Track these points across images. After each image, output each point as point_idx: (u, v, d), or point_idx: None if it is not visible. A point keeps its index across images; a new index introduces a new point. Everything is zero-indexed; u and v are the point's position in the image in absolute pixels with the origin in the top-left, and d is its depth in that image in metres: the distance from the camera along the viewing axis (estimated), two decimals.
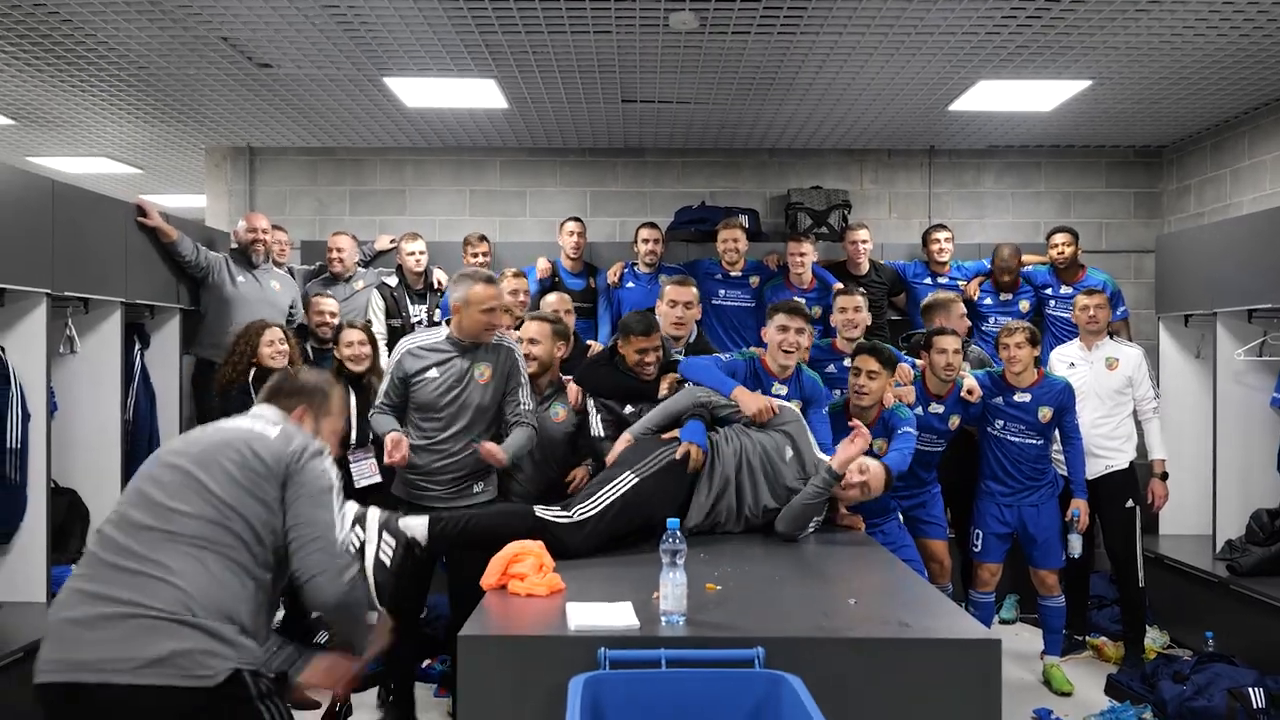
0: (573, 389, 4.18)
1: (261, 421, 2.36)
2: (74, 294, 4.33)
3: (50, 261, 4.16)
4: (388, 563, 2.71)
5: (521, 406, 3.76)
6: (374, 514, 2.79)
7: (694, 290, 4.39)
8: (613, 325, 5.73)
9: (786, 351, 3.86)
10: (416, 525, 2.92)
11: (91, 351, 4.59)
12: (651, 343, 3.91)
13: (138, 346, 4.98)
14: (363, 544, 2.71)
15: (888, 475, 3.48)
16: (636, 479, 3.21)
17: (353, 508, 2.63)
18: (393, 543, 2.75)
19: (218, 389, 4.55)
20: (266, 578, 2.19)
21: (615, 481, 3.19)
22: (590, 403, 4.05)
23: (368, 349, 4.44)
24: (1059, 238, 5.72)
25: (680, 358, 4.10)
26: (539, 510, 3.11)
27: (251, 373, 4.42)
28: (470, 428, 3.72)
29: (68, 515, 4.51)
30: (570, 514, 3.07)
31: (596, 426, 3.99)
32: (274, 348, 4.44)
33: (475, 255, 5.80)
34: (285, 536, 2.20)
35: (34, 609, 4.03)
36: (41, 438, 4.11)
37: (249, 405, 4.19)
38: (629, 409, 3.93)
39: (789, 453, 3.42)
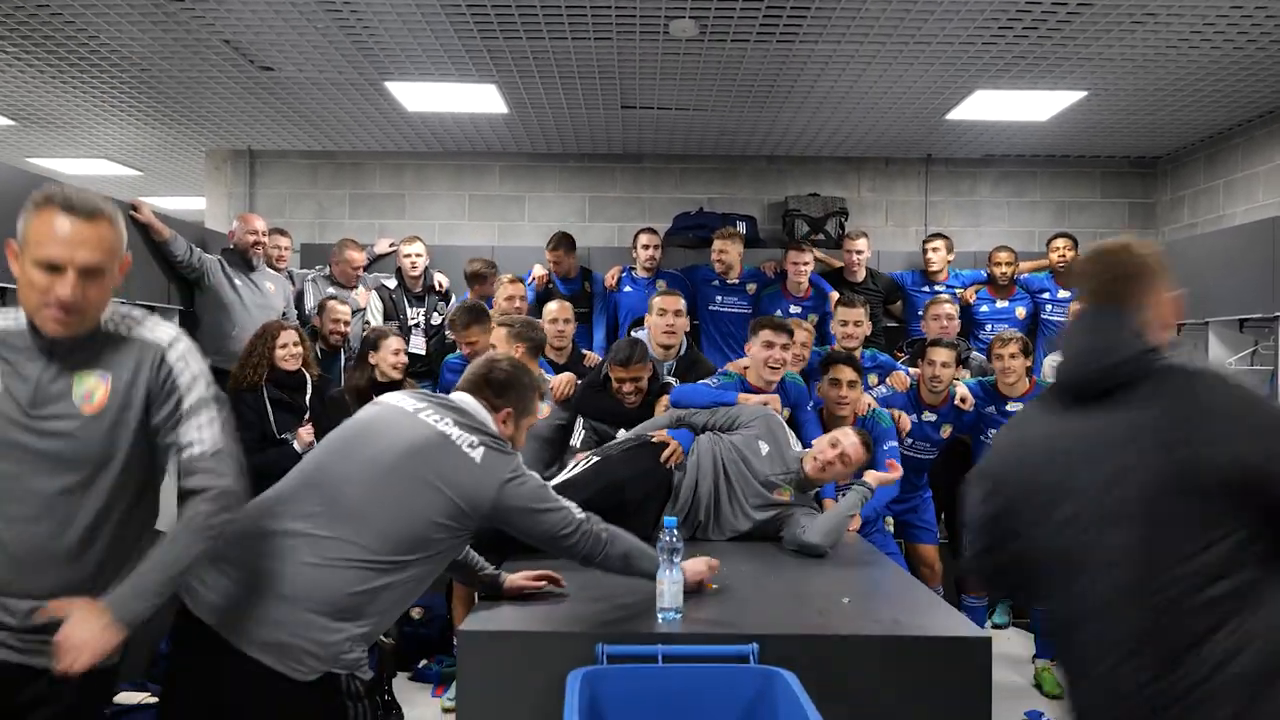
0: (559, 380, 4.20)
1: (461, 431, 2.20)
2: None
3: None
4: None
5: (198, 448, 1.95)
6: None
7: (682, 300, 4.39)
8: (608, 329, 5.76)
9: (772, 368, 3.87)
10: None
11: None
12: (630, 373, 3.83)
13: None
14: None
15: (864, 440, 3.42)
16: (602, 456, 3.30)
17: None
18: None
19: (231, 390, 4.55)
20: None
21: (585, 458, 3.30)
22: (579, 419, 4.02)
23: (404, 359, 4.41)
24: (1060, 242, 5.79)
25: (672, 379, 4.11)
26: None
27: (265, 374, 4.42)
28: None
29: None
30: None
31: (577, 438, 3.96)
32: (288, 349, 4.42)
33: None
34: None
35: None
36: None
37: (262, 408, 4.17)
38: (622, 433, 3.81)
39: (764, 448, 3.42)
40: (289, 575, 2.02)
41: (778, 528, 3.26)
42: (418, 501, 2.10)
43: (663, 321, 4.26)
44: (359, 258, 5.76)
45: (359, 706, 2.10)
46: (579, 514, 2.28)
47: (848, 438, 3.36)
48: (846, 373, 4.03)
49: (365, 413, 2.34)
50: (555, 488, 3.06)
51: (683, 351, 4.38)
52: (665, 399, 3.89)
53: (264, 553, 2.06)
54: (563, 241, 5.77)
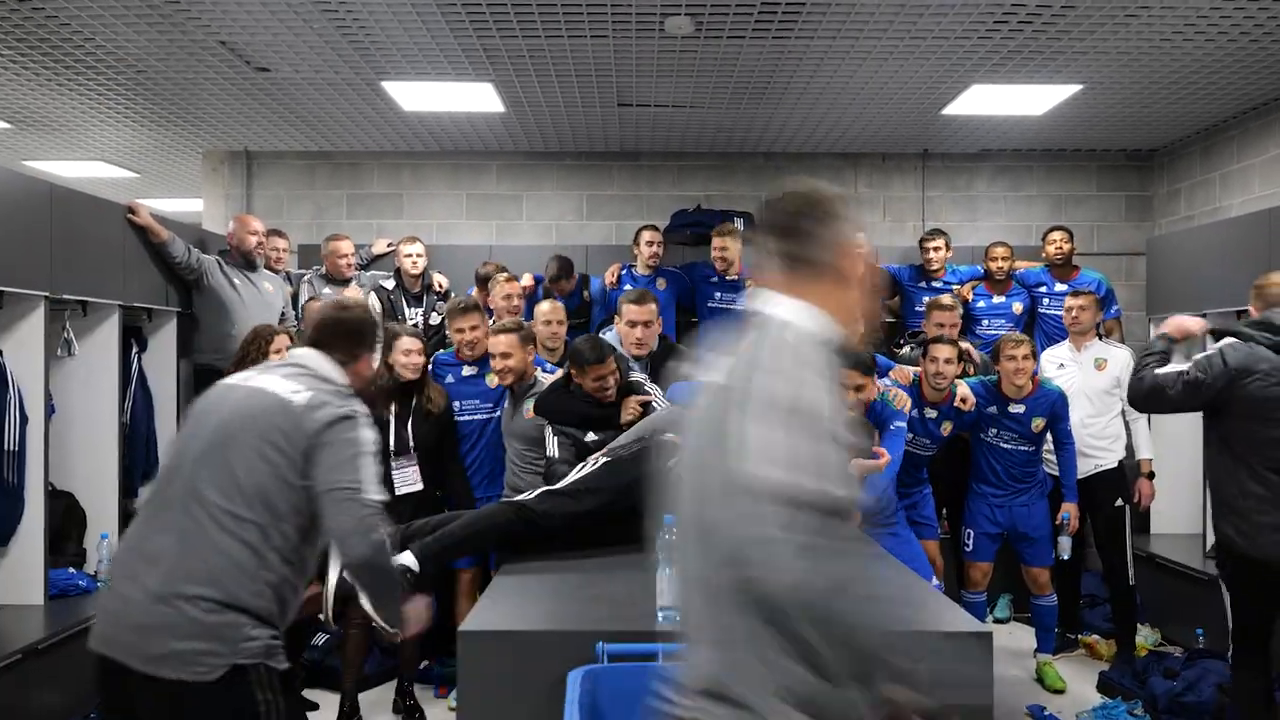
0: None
1: (288, 381, 2.26)
2: (72, 297, 4.35)
3: (49, 264, 4.18)
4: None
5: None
6: None
7: (654, 308, 4.45)
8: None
9: None
10: (404, 557, 2.91)
11: (89, 354, 4.61)
12: (608, 368, 3.82)
13: (135, 350, 4.99)
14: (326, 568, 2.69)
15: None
16: (611, 457, 3.30)
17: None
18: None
19: None
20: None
21: (592, 459, 3.33)
22: (548, 429, 3.94)
23: (421, 359, 4.35)
24: (1056, 235, 5.80)
25: (638, 375, 4.12)
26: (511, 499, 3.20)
27: None
28: None
29: (65, 518, 4.53)
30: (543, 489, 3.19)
31: (553, 447, 3.87)
32: (282, 355, 4.38)
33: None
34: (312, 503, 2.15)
35: (32, 611, 4.04)
36: (39, 441, 4.13)
37: None
38: (590, 436, 3.80)
39: None
40: (160, 574, 2.05)
41: None
42: (256, 460, 2.14)
43: (633, 333, 4.37)
44: (343, 246, 5.74)
45: (269, 698, 2.06)
46: (379, 498, 2.21)
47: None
48: (855, 377, 3.98)
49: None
50: (567, 489, 3.10)
51: (655, 349, 4.46)
52: (635, 398, 3.89)
53: (129, 562, 2.13)
54: (561, 271, 5.65)
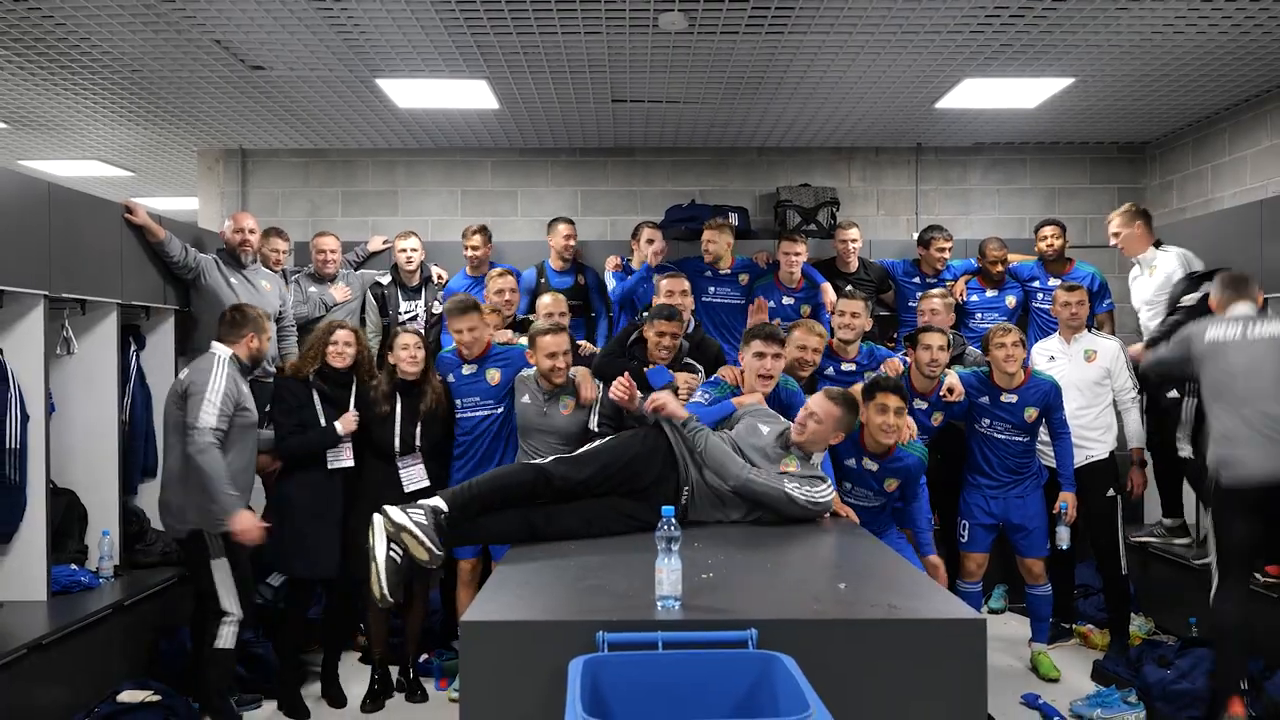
0: (586, 387, 4.31)
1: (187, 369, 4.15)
2: (71, 295, 4.37)
3: (47, 263, 4.20)
4: (398, 561, 2.89)
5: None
6: (379, 520, 2.94)
7: (685, 282, 4.84)
8: (616, 313, 5.77)
9: (764, 377, 3.96)
10: (433, 499, 3.06)
11: (88, 353, 4.62)
12: (672, 328, 4.28)
13: (133, 348, 5.01)
14: (371, 547, 2.90)
15: (830, 394, 3.62)
16: (616, 438, 3.54)
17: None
18: (400, 550, 2.91)
19: (277, 377, 4.68)
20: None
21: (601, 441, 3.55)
22: (601, 388, 4.26)
23: (422, 354, 4.42)
24: (1047, 230, 5.80)
25: (693, 362, 4.42)
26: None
27: (317, 366, 4.50)
28: None
29: (66, 515, 4.54)
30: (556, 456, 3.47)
31: (593, 420, 4.25)
32: (338, 347, 4.47)
33: (473, 249, 5.80)
34: None
35: (34, 608, 4.07)
36: (40, 439, 4.15)
37: (306, 396, 4.44)
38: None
39: (764, 429, 3.58)
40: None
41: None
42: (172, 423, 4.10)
43: (669, 302, 4.61)
44: (325, 242, 5.74)
45: (215, 541, 4.03)
46: (217, 432, 4.00)
47: (816, 399, 3.59)
48: (894, 400, 3.96)
49: None
50: (579, 455, 3.41)
51: (690, 329, 4.68)
52: (684, 375, 4.26)
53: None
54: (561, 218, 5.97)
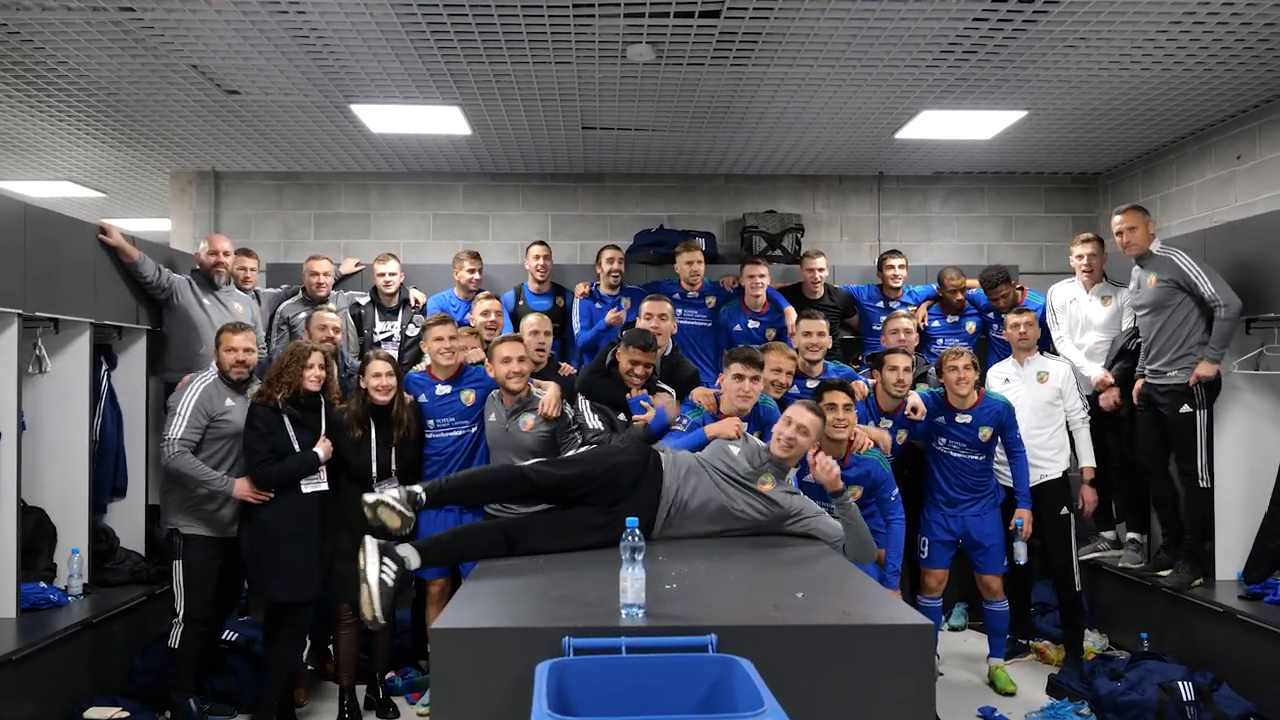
0: (549, 396, 4.42)
1: None
2: (45, 314, 4.40)
3: (22, 282, 4.23)
4: (389, 582, 2.96)
5: None
6: (371, 541, 3.03)
7: (668, 305, 4.90)
8: (585, 342, 5.82)
9: (744, 397, 4.09)
10: (414, 487, 3.33)
11: (60, 371, 4.65)
12: (646, 358, 4.36)
13: (105, 367, 5.04)
14: (363, 568, 2.96)
15: (812, 408, 3.74)
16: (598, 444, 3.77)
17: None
18: (393, 567, 2.99)
19: (252, 404, 4.48)
20: None
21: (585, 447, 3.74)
22: (586, 404, 4.43)
23: (393, 380, 4.39)
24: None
25: (665, 388, 4.49)
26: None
27: (288, 393, 4.33)
28: None
29: (35, 533, 4.56)
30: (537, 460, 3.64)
31: (593, 420, 4.39)
32: (314, 371, 4.31)
33: (469, 273, 5.82)
34: None
35: (3, 625, 4.07)
36: (11, 456, 4.16)
37: (276, 423, 4.27)
38: (621, 416, 4.36)
39: (734, 448, 3.66)
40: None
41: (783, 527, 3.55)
42: None
43: (648, 324, 4.74)
44: (316, 265, 5.75)
45: (176, 543, 4.27)
46: (184, 442, 4.23)
47: (799, 413, 3.66)
48: (841, 397, 4.20)
49: None
50: (558, 460, 3.65)
51: (667, 352, 4.77)
52: (661, 395, 4.39)
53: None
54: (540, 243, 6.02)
